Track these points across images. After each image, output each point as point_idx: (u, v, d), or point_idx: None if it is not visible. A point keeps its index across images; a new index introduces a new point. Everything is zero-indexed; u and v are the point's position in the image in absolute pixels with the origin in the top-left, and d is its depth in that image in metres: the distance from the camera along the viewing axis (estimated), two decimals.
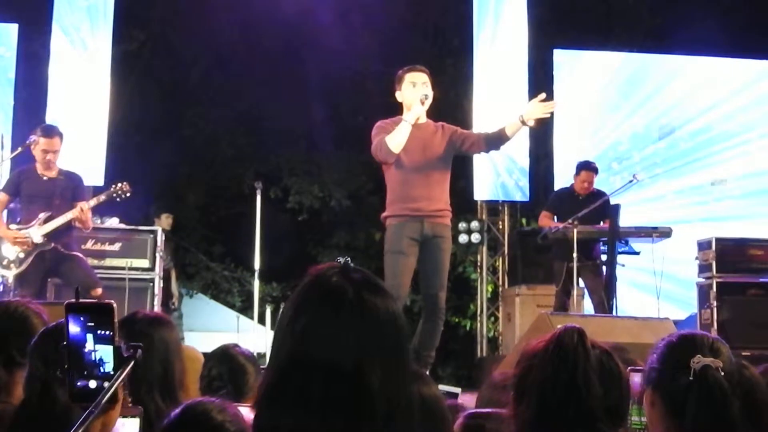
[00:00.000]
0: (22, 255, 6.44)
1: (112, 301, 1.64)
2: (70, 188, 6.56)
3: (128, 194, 6.70)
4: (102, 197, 6.63)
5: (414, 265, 5.37)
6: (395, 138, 5.32)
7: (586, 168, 8.04)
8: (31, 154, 6.51)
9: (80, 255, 6.63)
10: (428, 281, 5.39)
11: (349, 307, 1.46)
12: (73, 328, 1.60)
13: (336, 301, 1.47)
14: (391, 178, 5.47)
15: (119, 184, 6.67)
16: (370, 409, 1.42)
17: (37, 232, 6.40)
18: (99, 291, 6.34)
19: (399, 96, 5.53)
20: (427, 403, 2.15)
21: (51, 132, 6.47)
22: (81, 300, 1.63)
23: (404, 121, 5.37)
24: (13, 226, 6.55)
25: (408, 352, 1.54)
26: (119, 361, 1.62)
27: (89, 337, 1.61)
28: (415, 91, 5.43)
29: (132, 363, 1.63)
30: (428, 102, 5.44)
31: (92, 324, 1.61)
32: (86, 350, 1.61)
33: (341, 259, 1.55)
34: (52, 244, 6.42)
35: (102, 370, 1.62)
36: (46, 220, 6.43)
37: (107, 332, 1.61)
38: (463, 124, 10.04)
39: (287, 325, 1.49)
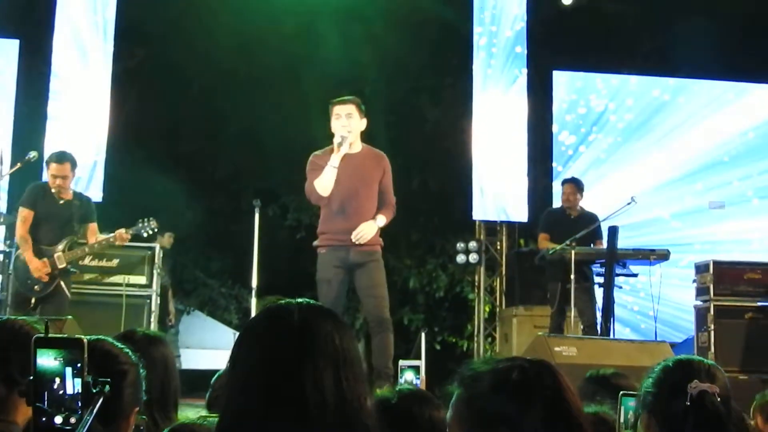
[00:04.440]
0: (46, 279, 6.48)
1: (83, 336, 1.62)
2: (82, 213, 6.67)
3: (155, 230, 6.78)
4: (131, 231, 6.64)
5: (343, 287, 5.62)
6: (321, 182, 5.52)
7: (567, 182, 8.29)
8: (29, 170, 6.61)
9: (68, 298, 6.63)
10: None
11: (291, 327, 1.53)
12: (43, 362, 1.59)
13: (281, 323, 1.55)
14: (323, 209, 5.67)
15: (146, 221, 6.69)
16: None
17: (62, 258, 6.50)
18: None
19: (330, 127, 5.67)
20: (437, 426, 2.15)
21: (62, 158, 6.54)
22: (51, 335, 1.61)
23: (330, 165, 5.51)
24: None
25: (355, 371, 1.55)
26: (88, 396, 1.60)
27: (59, 371, 1.59)
28: (337, 124, 5.59)
29: (101, 399, 1.61)
30: (347, 141, 5.55)
31: (63, 358, 1.59)
32: (55, 385, 1.59)
33: None
34: (72, 269, 6.59)
35: (74, 405, 1.60)
36: (71, 246, 6.55)
37: (78, 367, 1.59)
38: (463, 145, 10.18)
39: (237, 351, 1.57)
